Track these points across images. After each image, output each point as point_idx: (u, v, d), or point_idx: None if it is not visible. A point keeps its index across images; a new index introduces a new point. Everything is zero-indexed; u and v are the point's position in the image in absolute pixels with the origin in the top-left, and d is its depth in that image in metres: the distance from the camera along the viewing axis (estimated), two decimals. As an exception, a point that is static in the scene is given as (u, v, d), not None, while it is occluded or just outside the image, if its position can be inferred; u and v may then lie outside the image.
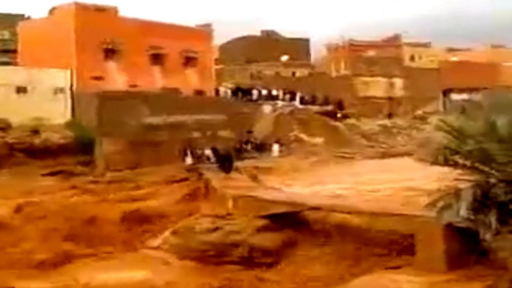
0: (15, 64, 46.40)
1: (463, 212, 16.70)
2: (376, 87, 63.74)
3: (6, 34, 57.43)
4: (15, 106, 38.48)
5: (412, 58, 72.42)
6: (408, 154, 41.42)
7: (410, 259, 19.97)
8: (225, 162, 34.71)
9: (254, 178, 33.89)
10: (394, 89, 65.50)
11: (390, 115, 62.32)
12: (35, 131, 37.79)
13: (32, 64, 42.17)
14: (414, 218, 20.03)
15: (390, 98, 64.67)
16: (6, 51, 53.33)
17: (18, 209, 29.15)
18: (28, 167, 35.64)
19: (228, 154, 36.10)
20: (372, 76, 63.95)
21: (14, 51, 49.24)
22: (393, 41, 78.66)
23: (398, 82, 65.81)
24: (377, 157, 44.96)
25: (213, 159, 37.37)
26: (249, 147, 43.70)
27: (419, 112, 64.12)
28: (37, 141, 37.41)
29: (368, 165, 40.18)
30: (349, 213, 23.28)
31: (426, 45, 78.00)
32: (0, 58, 51.37)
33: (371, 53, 71.67)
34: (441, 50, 79.39)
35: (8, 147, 36.29)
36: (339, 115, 55.39)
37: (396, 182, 29.62)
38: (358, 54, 70.15)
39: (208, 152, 38.51)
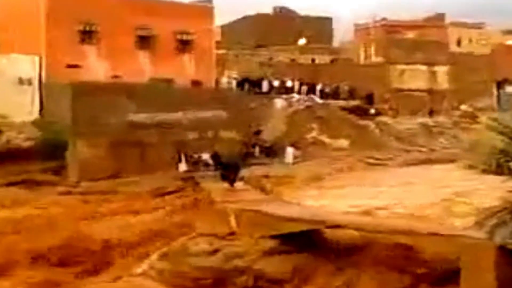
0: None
1: (520, 231, 16.62)
2: (414, 77, 63.53)
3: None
4: (-31, 101, 38.65)
5: (459, 41, 72.31)
6: (453, 159, 41.26)
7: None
8: (229, 172, 33.38)
9: (263, 189, 33.81)
10: (437, 80, 65.25)
11: (431, 112, 62.09)
12: (-5, 131, 37.95)
13: (-8, 50, 42.38)
14: (460, 239, 19.87)
15: (431, 91, 64.44)
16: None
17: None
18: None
19: (234, 162, 34.80)
20: (410, 63, 63.72)
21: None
22: (436, 21, 78.53)
23: (442, 71, 65.57)
24: (414, 163, 44.78)
25: (212, 166, 37.35)
26: (257, 151, 43.68)
27: (467, 108, 63.85)
28: (-4, 143, 37.55)
29: (403, 173, 40.01)
30: (379, 232, 23.09)
31: (477, 26, 77.79)
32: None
33: (409, 35, 71.52)
34: (495, 31, 79.18)
35: (-41, 150, 36.47)
36: (372, 111, 55.29)
37: (437, 194, 29.46)
38: (393, 36, 70.00)
39: (206, 157, 38.52)
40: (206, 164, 38.40)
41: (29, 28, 42.45)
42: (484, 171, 18.05)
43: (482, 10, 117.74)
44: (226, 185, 33.52)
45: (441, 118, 60.07)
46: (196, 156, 39.49)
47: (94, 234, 28.99)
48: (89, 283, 25.70)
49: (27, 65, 41.62)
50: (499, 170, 17.66)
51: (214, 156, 37.95)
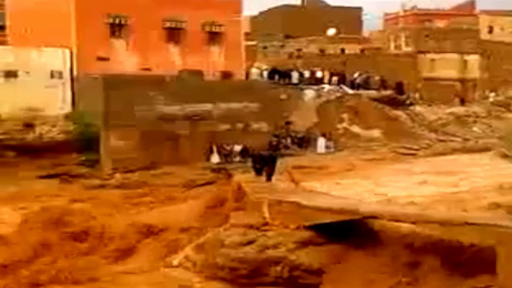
0: (3, 43, 47.00)
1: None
2: (445, 66, 63.19)
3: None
4: (3, 94, 39.07)
5: (491, 29, 71.64)
6: (487, 149, 41.12)
7: (490, 280, 19.75)
8: (265, 166, 31.21)
9: (295, 179, 33.82)
10: (468, 69, 64.82)
11: (463, 101, 61.72)
12: (28, 125, 38.36)
13: (23, 43, 42.74)
14: (496, 229, 19.79)
15: (463, 80, 64.06)
16: (-9, 28, 54.06)
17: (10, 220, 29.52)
18: (19, 168, 36.08)
19: (270, 154, 32.51)
20: (440, 52, 63.38)
21: (2, 28, 49.89)
22: (467, 9, 78.03)
23: (474, 59, 65.13)
24: (447, 153, 44.54)
25: (245, 158, 37.45)
26: (288, 142, 43.72)
27: (500, 96, 63.40)
28: (30, 136, 38.03)
29: (436, 163, 39.80)
30: (413, 222, 23.07)
31: (509, 14, 77.06)
32: (-16, 36, 52.11)
33: (439, 24, 71.12)
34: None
35: (-5, 144, 36.89)
36: (408, 101, 55.10)
37: (471, 183, 29.32)
38: (423, 25, 69.63)
39: (237, 148, 38.66)
40: (242, 155, 38.41)
41: (59, 21, 42.79)
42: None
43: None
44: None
45: (473, 107, 59.68)
46: (228, 147, 39.62)
47: (132, 223, 29.32)
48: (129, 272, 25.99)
49: (58, 59, 41.97)
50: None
51: (243, 150, 38.12)
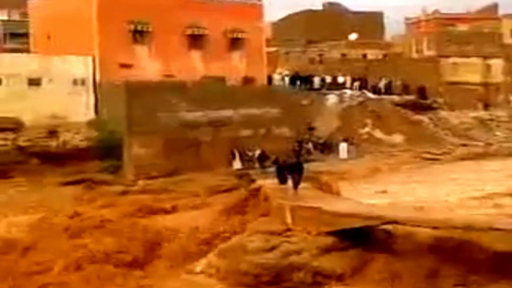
0: (27, 51, 47.32)
1: None
2: (468, 70, 62.87)
3: (15, 15, 58.49)
4: (27, 102, 39.32)
5: (514, 33, 71.19)
6: (510, 154, 40.89)
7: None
8: (291, 174, 29.20)
9: (318, 185, 33.75)
10: (492, 73, 64.44)
11: (486, 106, 61.38)
12: (52, 132, 38.60)
13: (46, 51, 43.04)
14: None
15: (486, 84, 63.67)
16: (15, 35, 54.38)
17: (33, 226, 29.65)
18: (44, 175, 36.26)
19: (296, 162, 30.74)
20: (463, 56, 63.06)
21: (25, 35, 50.23)
22: (490, 12, 77.56)
23: (497, 63, 64.73)
24: (471, 158, 44.36)
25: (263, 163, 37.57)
26: (310, 147, 43.66)
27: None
28: (54, 143, 38.26)
29: (460, 168, 39.70)
30: (436, 228, 22.99)
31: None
32: (8, 44, 52.52)
33: (462, 28, 70.75)
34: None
35: (19, 151, 37.08)
36: (435, 105, 54.84)
37: (495, 188, 29.19)
38: (445, 29, 69.31)
39: (258, 152, 38.69)
40: (261, 160, 38.44)
41: (82, 29, 43.01)
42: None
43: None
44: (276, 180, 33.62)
45: (497, 112, 59.30)
46: (250, 153, 39.63)
47: (151, 231, 29.36)
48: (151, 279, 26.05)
49: (80, 66, 42.20)
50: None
51: (261, 155, 38.15)
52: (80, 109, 41.27)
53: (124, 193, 35.00)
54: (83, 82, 42.03)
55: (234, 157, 39.27)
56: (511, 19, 73.39)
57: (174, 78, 43.57)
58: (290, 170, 28.92)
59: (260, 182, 34.04)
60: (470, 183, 32.51)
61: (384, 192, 32.30)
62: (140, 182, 36.20)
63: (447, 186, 32.54)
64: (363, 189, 33.10)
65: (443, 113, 55.18)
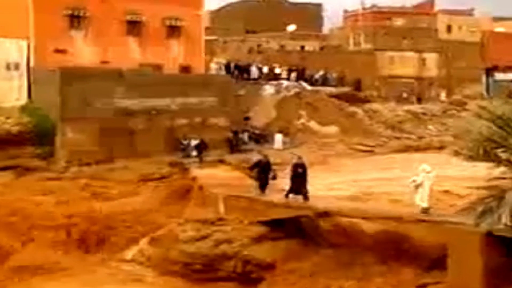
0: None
1: (506, 218, 16.76)
2: (403, 64, 63.82)
3: None
4: (-43, 86, 38.52)
5: (449, 28, 72.32)
6: (441, 147, 41.57)
7: (440, 276, 19.97)
8: (263, 176, 26.83)
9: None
10: (426, 67, 65.49)
11: (420, 99, 62.34)
12: (-18, 116, 37.76)
13: (-23, 34, 42.13)
14: (446, 225, 20.02)
15: (420, 78, 64.69)
16: None
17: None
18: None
19: (266, 161, 27.59)
20: (399, 50, 63.92)
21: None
22: (426, 8, 78.66)
23: (431, 58, 65.82)
24: (403, 150, 44.98)
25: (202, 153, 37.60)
26: (245, 137, 43.65)
27: (456, 95, 64.10)
28: (-16, 128, 37.38)
29: (391, 160, 40.19)
30: (365, 218, 23.27)
31: (467, 13, 77.92)
32: None
33: (398, 22, 71.60)
34: (485, 19, 79.28)
35: None
36: (370, 97, 55.38)
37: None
38: (382, 23, 70.06)
39: (194, 142, 38.60)
40: (198, 150, 38.35)
41: (17, 12, 42.17)
42: (471, 158, 18.23)
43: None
44: (213, 170, 33.60)
45: (430, 106, 60.23)
46: (185, 142, 39.46)
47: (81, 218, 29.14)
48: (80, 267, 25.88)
49: (14, 50, 41.27)
50: (486, 157, 17.85)
51: (199, 144, 38.11)
52: (13, 94, 40.42)
53: (56, 178, 34.55)
54: (16, 67, 41.16)
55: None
56: (446, 14, 74.61)
57: (110, 64, 43.01)
58: (264, 171, 26.87)
59: (194, 171, 34.11)
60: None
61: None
62: (72, 169, 35.74)
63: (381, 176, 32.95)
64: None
65: (377, 106, 55.71)
